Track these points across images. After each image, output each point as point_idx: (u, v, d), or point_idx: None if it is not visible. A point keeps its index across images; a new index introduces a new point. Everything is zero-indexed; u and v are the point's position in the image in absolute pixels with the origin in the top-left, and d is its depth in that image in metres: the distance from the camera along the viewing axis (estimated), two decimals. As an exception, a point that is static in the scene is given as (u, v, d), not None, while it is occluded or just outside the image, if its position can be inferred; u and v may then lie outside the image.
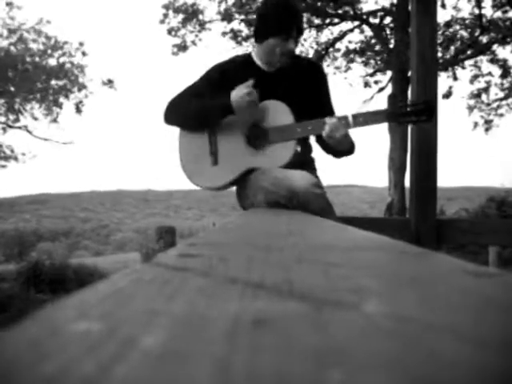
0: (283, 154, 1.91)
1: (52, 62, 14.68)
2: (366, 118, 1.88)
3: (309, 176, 1.75)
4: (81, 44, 14.86)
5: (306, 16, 10.76)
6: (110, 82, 15.02)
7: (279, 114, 1.93)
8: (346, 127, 1.85)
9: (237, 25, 11.00)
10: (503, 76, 11.17)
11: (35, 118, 14.89)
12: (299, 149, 1.95)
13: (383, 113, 1.91)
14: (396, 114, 1.91)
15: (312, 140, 2.13)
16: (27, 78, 13.96)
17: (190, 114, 1.99)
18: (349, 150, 1.98)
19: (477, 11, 10.12)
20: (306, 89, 2.01)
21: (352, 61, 11.64)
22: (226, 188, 2.06)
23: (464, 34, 10.58)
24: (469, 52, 10.73)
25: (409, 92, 6.21)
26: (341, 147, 1.90)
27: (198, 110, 1.96)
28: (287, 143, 1.92)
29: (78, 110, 15.02)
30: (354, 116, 1.87)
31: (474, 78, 11.58)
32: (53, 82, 14.72)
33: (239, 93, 1.86)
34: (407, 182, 2.62)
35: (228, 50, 11.33)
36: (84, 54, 14.95)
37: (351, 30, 11.42)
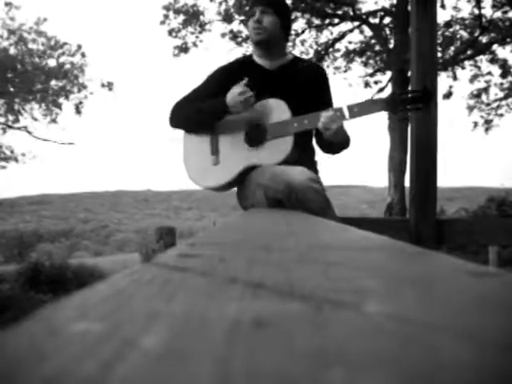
0: (281, 150, 1.92)
1: (51, 62, 14.70)
2: (361, 109, 1.88)
3: (307, 171, 1.75)
4: (79, 46, 14.88)
5: (305, 17, 10.78)
6: (109, 85, 15.04)
7: (277, 110, 1.94)
8: (342, 118, 1.86)
9: (237, 25, 11.02)
10: (503, 76, 11.17)
11: (35, 119, 14.91)
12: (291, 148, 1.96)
13: (379, 102, 1.91)
14: (392, 102, 1.90)
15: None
16: (27, 78, 13.97)
17: (191, 117, 2.03)
18: (344, 142, 2.00)
19: (476, 11, 10.13)
20: (306, 88, 2.01)
21: (352, 61, 11.64)
22: (227, 188, 2.07)
23: (464, 34, 10.59)
24: (469, 52, 10.73)
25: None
26: (337, 139, 1.90)
27: (197, 112, 2.01)
28: (285, 139, 1.92)
29: (78, 111, 15.03)
30: (350, 107, 1.87)
31: (474, 77, 11.58)
32: (52, 83, 14.73)
33: (233, 92, 1.88)
34: (407, 182, 2.62)
35: (228, 52, 11.34)
36: (83, 55, 14.96)
37: (351, 31, 11.42)
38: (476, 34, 10.36)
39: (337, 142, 1.94)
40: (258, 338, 0.20)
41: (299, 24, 10.96)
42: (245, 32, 10.94)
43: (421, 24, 2.41)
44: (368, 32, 11.31)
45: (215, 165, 2.01)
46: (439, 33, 9.87)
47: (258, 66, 2.05)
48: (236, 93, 1.87)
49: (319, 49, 11.44)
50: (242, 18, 10.62)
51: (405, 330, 0.21)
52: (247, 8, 2.34)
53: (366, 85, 11.73)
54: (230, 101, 1.88)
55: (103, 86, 15.02)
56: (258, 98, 1.96)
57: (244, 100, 1.87)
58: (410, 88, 2.66)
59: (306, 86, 2.01)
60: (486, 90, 11.84)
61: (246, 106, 1.89)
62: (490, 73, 11.42)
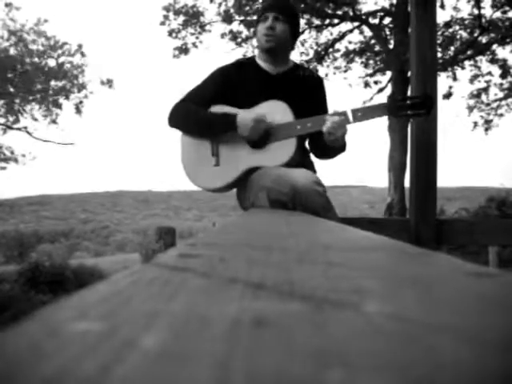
0: (283, 152, 1.92)
1: (51, 62, 14.72)
2: (365, 113, 1.90)
3: (310, 174, 1.76)
4: (79, 46, 14.90)
5: (305, 17, 10.78)
6: (109, 82, 15.06)
7: (278, 112, 1.93)
8: (346, 123, 1.87)
9: (236, 26, 11.02)
10: (503, 76, 11.17)
11: (35, 119, 14.92)
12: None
13: (382, 107, 1.93)
14: (394, 107, 1.92)
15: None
16: (27, 78, 13.98)
17: (193, 121, 2.00)
18: (342, 148, 2.00)
19: (476, 11, 10.13)
20: (304, 96, 2.03)
21: (352, 61, 11.65)
22: (227, 189, 2.06)
23: (463, 34, 10.59)
24: (468, 52, 10.73)
25: (408, 92, 6.21)
26: (338, 144, 1.92)
27: (201, 120, 1.98)
28: (287, 141, 1.92)
29: (78, 111, 15.05)
30: (354, 111, 1.89)
31: (474, 77, 11.59)
32: (52, 83, 14.74)
33: (247, 117, 1.89)
34: (407, 182, 2.62)
35: (228, 53, 11.35)
36: (83, 54, 14.98)
37: (351, 31, 11.43)
38: (476, 34, 10.36)
39: (335, 148, 1.95)
40: (258, 338, 0.20)
41: (299, 24, 10.95)
42: (244, 32, 10.95)
43: (420, 24, 2.41)
44: (368, 32, 11.33)
45: (215, 166, 2.00)
46: (439, 33, 9.88)
47: (260, 70, 2.04)
48: (249, 118, 1.88)
49: (319, 49, 11.45)
50: (242, 18, 10.63)
51: (405, 330, 0.21)
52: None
53: (366, 85, 11.74)
54: (241, 124, 1.89)
55: (103, 83, 15.05)
56: (259, 100, 1.96)
57: (255, 128, 1.88)
58: (410, 89, 2.66)
59: (304, 94, 2.03)
60: (485, 90, 11.85)
61: (254, 133, 1.90)
62: (489, 73, 11.44)
